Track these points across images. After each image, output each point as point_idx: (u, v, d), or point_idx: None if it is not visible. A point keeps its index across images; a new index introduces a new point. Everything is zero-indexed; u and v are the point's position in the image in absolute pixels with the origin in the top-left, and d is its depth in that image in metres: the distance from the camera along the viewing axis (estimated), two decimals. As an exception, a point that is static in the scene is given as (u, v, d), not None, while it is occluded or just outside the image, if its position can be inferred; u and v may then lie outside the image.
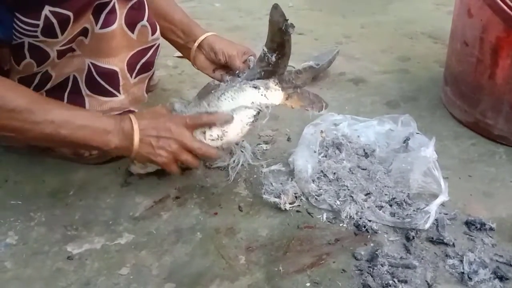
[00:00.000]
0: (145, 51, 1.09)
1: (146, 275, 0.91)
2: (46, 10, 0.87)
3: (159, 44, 1.13)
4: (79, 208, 1.06)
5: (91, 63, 1.03)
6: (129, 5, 1.02)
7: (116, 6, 0.98)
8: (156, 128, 0.97)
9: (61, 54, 0.98)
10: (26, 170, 1.16)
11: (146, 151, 0.97)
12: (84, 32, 0.98)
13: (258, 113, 1.07)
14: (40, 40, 0.91)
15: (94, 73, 1.04)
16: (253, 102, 1.06)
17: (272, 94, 1.09)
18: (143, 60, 1.10)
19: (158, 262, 0.94)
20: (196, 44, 1.19)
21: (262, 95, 1.07)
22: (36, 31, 0.89)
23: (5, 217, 1.03)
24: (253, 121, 1.07)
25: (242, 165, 1.16)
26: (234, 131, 1.04)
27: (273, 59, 1.09)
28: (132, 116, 0.97)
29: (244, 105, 1.05)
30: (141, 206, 1.07)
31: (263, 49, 1.10)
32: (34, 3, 0.86)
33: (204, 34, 1.19)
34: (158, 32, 1.11)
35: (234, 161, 1.17)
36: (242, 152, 1.19)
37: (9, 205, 1.06)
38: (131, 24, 1.03)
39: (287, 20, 1.05)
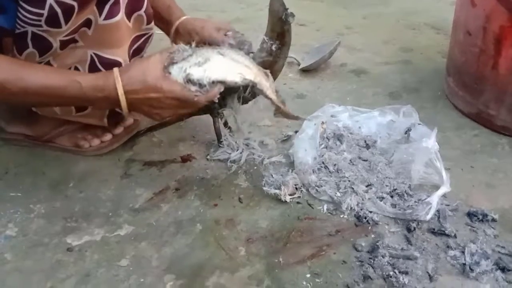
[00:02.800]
0: (138, 38, 1.10)
1: (146, 267, 0.91)
2: (51, 0, 0.86)
3: (152, 34, 1.14)
4: (79, 200, 1.06)
5: (95, 54, 1.03)
6: None
7: None
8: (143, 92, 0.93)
9: (64, 44, 0.98)
10: (26, 162, 1.16)
11: (140, 112, 0.98)
12: (87, 23, 0.97)
13: (247, 87, 0.99)
14: (43, 29, 0.91)
15: (98, 64, 1.04)
16: (257, 74, 0.99)
17: (272, 90, 1.03)
18: (134, 46, 1.10)
19: (158, 253, 0.93)
20: (173, 30, 1.17)
21: (265, 80, 1.02)
22: (40, 20, 0.89)
23: (5, 209, 1.03)
24: (238, 83, 0.97)
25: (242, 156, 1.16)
26: (219, 69, 0.95)
27: (273, 49, 1.08)
28: (117, 82, 0.92)
29: (245, 64, 0.99)
30: (141, 197, 1.07)
31: (264, 39, 1.09)
32: None
33: (179, 19, 1.16)
34: (152, 23, 1.11)
35: (236, 155, 1.17)
36: (248, 146, 1.19)
37: (8, 197, 1.06)
38: (129, 13, 1.04)
39: (287, 9, 1.04)
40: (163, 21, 1.19)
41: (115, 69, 0.93)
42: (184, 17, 1.17)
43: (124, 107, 0.93)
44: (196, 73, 0.94)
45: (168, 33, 1.21)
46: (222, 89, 0.96)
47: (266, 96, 1.02)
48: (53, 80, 0.90)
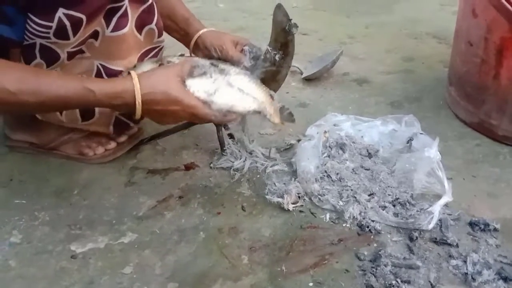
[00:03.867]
0: (149, 51, 1.11)
1: (149, 275, 0.91)
2: (60, 13, 0.88)
3: (163, 46, 1.15)
4: (83, 207, 1.06)
5: (101, 64, 1.04)
6: (141, 9, 1.03)
7: (128, 10, 1.00)
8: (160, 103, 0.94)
9: (71, 55, 0.99)
10: (31, 169, 1.17)
11: (151, 118, 0.99)
12: (95, 34, 0.99)
13: (258, 113, 1.06)
14: (51, 41, 0.92)
15: (104, 74, 1.05)
16: (263, 102, 1.05)
17: (275, 114, 1.09)
18: (146, 59, 1.10)
19: (161, 261, 0.94)
20: (192, 43, 1.18)
21: (270, 105, 1.07)
22: (48, 33, 0.90)
23: (9, 216, 1.03)
24: (242, 114, 1.05)
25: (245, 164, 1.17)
26: (227, 101, 1.00)
27: (277, 58, 1.09)
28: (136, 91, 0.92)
29: (254, 97, 1.04)
30: (145, 205, 1.07)
31: (268, 49, 1.10)
32: (49, 5, 0.87)
33: (198, 33, 1.17)
34: (163, 35, 1.12)
35: (239, 164, 1.17)
36: (251, 154, 1.20)
37: (13, 204, 1.06)
38: (139, 26, 1.05)
39: (290, 20, 1.05)
40: (181, 33, 1.20)
41: (134, 75, 0.92)
42: (202, 31, 1.17)
43: (138, 115, 0.93)
44: (203, 98, 0.98)
45: (185, 44, 1.21)
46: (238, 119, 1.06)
47: (269, 120, 1.07)
48: (66, 89, 0.88)
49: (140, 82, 0.91)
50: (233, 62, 1.10)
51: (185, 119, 0.99)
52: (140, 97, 0.91)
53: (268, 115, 1.06)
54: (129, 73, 0.94)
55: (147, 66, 1.04)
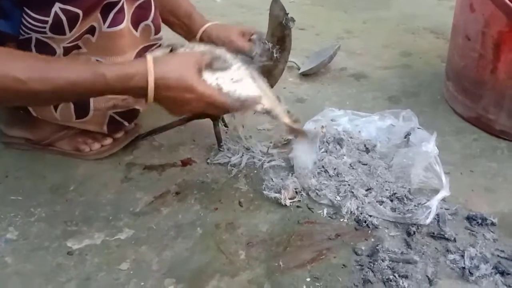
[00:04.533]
0: (146, 48, 1.10)
1: (146, 270, 0.91)
2: (56, 7, 0.87)
3: (161, 44, 1.14)
4: (79, 203, 1.06)
5: (97, 60, 1.03)
6: (136, 4, 1.02)
7: (125, 5, 0.99)
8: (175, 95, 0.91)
9: (67, 51, 0.98)
10: (27, 165, 1.16)
11: (163, 106, 0.94)
12: (91, 30, 0.98)
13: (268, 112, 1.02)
14: (47, 36, 0.92)
15: None
16: (274, 101, 1.03)
17: (284, 114, 1.06)
18: (155, 48, 1.10)
19: (158, 257, 0.94)
20: (197, 38, 1.16)
21: (279, 105, 1.05)
22: (44, 27, 0.89)
23: (5, 212, 1.03)
24: (256, 111, 1.00)
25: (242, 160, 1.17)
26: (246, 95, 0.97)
27: (274, 53, 1.09)
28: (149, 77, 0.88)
29: (266, 93, 1.02)
30: (141, 201, 1.07)
31: (266, 43, 1.10)
32: (45, 0, 0.86)
33: (202, 28, 1.16)
34: (161, 33, 1.11)
35: (236, 159, 1.17)
36: (248, 149, 1.19)
37: (9, 201, 1.06)
38: (135, 22, 1.04)
39: (287, 14, 1.05)
40: (184, 28, 1.19)
41: (149, 58, 0.89)
42: (207, 25, 1.15)
43: (150, 100, 0.90)
44: (227, 88, 0.95)
45: (189, 40, 1.19)
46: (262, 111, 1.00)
47: (281, 121, 1.04)
48: (77, 73, 0.84)
49: (155, 65, 0.88)
50: (244, 53, 1.08)
51: (199, 109, 0.94)
52: (153, 81, 0.87)
53: (280, 114, 1.03)
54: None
55: (159, 52, 1.00)
